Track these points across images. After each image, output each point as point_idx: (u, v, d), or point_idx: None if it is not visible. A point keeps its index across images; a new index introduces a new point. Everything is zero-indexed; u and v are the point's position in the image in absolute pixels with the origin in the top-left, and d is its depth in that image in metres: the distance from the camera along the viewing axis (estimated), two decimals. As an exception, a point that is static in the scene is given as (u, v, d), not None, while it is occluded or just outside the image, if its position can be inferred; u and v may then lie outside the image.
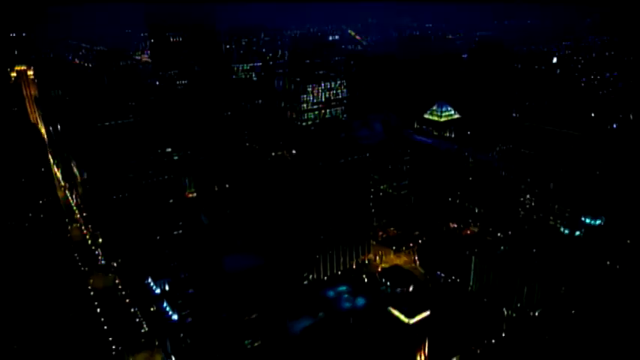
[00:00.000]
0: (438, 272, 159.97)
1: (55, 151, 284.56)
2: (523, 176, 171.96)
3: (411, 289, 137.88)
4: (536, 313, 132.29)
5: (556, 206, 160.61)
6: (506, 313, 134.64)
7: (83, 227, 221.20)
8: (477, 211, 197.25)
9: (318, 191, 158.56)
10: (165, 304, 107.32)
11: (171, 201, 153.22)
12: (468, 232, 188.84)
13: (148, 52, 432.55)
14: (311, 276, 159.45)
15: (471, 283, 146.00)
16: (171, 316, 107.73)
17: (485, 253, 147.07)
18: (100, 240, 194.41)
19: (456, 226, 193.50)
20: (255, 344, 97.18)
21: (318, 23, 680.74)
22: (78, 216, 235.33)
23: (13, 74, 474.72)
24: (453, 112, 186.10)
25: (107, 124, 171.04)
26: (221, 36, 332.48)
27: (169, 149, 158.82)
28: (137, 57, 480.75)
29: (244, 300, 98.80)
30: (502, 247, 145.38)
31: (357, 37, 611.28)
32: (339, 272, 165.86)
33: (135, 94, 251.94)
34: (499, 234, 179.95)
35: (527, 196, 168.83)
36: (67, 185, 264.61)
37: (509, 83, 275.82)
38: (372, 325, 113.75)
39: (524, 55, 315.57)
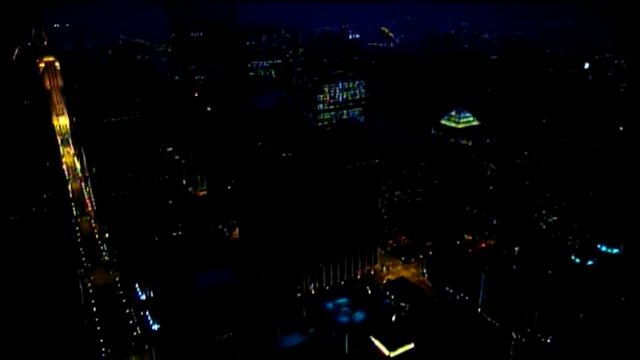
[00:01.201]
0: (447, 287, 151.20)
1: (76, 142, 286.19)
2: (543, 190, 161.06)
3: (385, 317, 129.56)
4: (548, 340, 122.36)
5: (575, 225, 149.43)
6: (515, 336, 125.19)
7: (93, 221, 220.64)
8: (494, 222, 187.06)
9: (323, 197, 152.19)
10: (147, 312, 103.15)
11: (170, 202, 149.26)
12: (484, 245, 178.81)
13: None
14: (312, 285, 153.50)
15: (480, 302, 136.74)
16: (152, 325, 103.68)
17: (496, 271, 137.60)
18: (107, 235, 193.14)
19: (471, 238, 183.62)
20: None
21: (351, 21, 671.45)
22: (89, 209, 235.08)
23: (42, 65, 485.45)
24: (472, 118, 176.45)
25: (114, 119, 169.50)
26: (241, 32, 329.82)
27: (170, 148, 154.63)
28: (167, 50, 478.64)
29: (216, 318, 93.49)
30: (514, 266, 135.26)
31: (391, 34, 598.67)
32: (343, 282, 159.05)
33: (148, 89, 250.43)
34: (516, 248, 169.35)
35: (545, 211, 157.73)
36: (83, 177, 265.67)
37: (539, 88, 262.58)
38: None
39: (559, 58, 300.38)
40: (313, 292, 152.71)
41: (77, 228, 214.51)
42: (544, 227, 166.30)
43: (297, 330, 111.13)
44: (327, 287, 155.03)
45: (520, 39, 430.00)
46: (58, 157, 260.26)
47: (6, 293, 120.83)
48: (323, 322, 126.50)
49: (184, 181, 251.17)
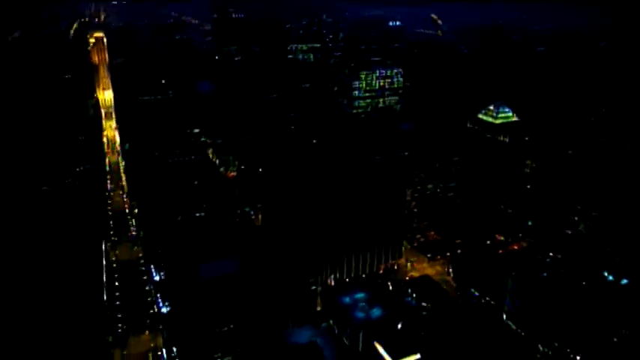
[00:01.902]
0: (472, 289, 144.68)
1: (117, 116, 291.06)
2: (584, 194, 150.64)
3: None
4: (577, 358, 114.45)
5: (613, 237, 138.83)
6: (541, 349, 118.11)
7: (125, 195, 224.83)
8: (529, 224, 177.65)
9: (350, 187, 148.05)
10: (158, 294, 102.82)
11: (196, 182, 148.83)
12: (515, 247, 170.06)
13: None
14: (333, 276, 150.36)
15: (506, 308, 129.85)
16: (161, 307, 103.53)
17: (526, 276, 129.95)
18: (135, 211, 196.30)
19: (502, 238, 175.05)
20: (226, 359, 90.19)
21: (403, 6, 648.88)
22: (123, 183, 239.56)
23: (92, 40, 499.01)
24: (510, 113, 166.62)
25: (147, 98, 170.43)
26: (283, 14, 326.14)
27: (197, 130, 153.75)
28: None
29: (218, 309, 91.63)
30: (546, 273, 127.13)
31: (439, 21, 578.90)
32: (364, 275, 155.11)
33: (184, 69, 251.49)
34: (550, 254, 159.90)
35: (583, 216, 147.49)
36: (121, 151, 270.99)
37: (589, 84, 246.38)
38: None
39: (611, 53, 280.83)
40: (333, 283, 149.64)
41: (109, 201, 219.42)
42: (583, 233, 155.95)
43: (309, 324, 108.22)
44: (347, 279, 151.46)
45: (572, 32, 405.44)
46: (98, 131, 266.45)
47: (29, 264, 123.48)
48: (338, 317, 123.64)
49: (217, 162, 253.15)
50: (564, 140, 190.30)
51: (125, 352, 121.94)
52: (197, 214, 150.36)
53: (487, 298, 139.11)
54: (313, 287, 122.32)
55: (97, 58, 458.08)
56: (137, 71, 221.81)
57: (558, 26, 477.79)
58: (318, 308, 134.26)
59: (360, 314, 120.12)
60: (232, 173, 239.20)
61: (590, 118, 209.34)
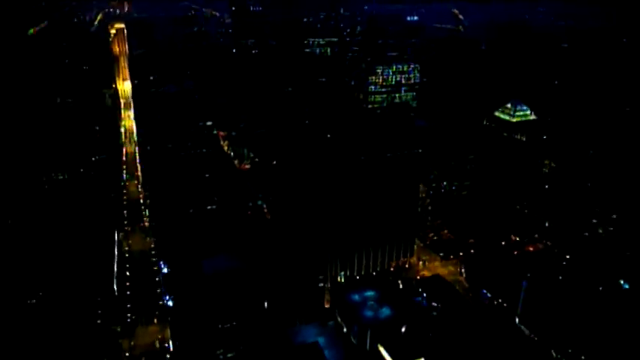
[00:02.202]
0: (484, 291, 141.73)
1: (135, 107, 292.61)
2: (606, 196, 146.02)
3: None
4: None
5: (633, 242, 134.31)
6: (554, 355, 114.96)
7: (139, 185, 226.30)
8: (546, 225, 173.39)
9: (362, 183, 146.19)
10: (163, 287, 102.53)
11: (207, 175, 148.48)
12: (531, 248, 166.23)
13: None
14: (343, 272, 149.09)
15: (519, 311, 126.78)
16: (167, 301, 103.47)
17: (541, 279, 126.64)
18: (149, 201, 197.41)
19: (518, 239, 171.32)
20: (229, 355, 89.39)
21: (423, 2, 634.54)
22: (138, 173, 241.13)
23: (113, 31, 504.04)
24: (528, 112, 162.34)
25: (162, 90, 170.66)
26: (300, 8, 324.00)
27: (210, 122, 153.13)
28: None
29: (221, 306, 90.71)
30: (560, 277, 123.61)
31: (460, 16, 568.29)
32: (374, 273, 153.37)
33: (200, 61, 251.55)
34: (567, 257, 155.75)
35: (603, 219, 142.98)
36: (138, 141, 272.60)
37: (614, 83, 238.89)
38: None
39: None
40: (343, 280, 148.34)
41: (124, 191, 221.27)
42: (601, 236, 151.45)
43: (316, 321, 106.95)
44: (357, 277, 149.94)
45: (596, 28, 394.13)
46: (115, 121, 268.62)
47: (40, 252, 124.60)
48: (347, 315, 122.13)
49: (231, 154, 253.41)
50: (585, 140, 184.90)
51: (132, 343, 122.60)
52: (208, 207, 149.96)
53: (500, 301, 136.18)
54: (321, 284, 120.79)
55: (117, 49, 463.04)
56: (153, 63, 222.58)
57: (583, 23, 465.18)
58: (327, 305, 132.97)
59: (369, 313, 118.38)
60: (246, 166, 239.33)
61: (612, 118, 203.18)
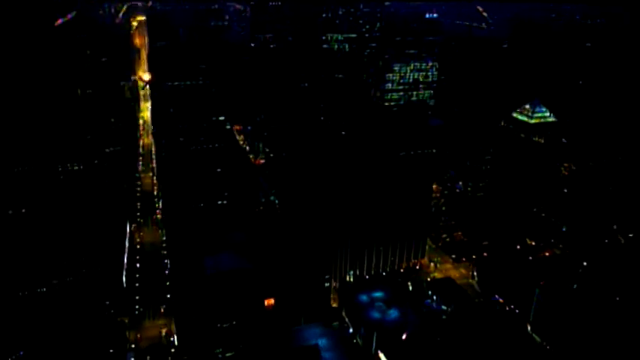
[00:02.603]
0: (496, 296, 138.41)
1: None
2: (628, 201, 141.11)
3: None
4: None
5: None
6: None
7: (154, 177, 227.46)
8: (563, 230, 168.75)
9: (374, 182, 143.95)
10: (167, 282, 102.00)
11: (219, 170, 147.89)
12: (547, 253, 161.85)
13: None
14: (352, 272, 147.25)
15: (531, 319, 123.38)
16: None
17: (556, 286, 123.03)
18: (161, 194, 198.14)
19: (533, 244, 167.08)
20: (228, 354, 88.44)
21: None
22: (153, 165, 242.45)
23: (135, 23, 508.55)
24: (547, 113, 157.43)
25: (177, 83, 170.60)
26: (319, 3, 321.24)
27: (222, 117, 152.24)
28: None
29: (220, 305, 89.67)
30: (576, 285, 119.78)
31: (485, 14, 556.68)
32: (384, 273, 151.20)
33: (217, 55, 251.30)
34: (584, 263, 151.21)
35: (624, 225, 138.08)
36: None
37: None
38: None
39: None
40: (352, 279, 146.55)
41: (139, 183, 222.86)
42: (621, 243, 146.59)
43: (320, 321, 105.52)
44: (367, 276, 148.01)
45: (623, 27, 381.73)
46: (132, 113, 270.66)
47: (51, 243, 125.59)
48: (354, 315, 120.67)
49: (247, 148, 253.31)
50: (606, 144, 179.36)
51: (139, 335, 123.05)
52: (219, 202, 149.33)
53: (512, 307, 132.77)
54: (327, 284, 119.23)
55: (138, 41, 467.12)
56: (171, 56, 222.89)
57: (611, 22, 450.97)
58: (335, 305, 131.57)
59: (376, 314, 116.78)
60: (261, 160, 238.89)
61: (636, 121, 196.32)
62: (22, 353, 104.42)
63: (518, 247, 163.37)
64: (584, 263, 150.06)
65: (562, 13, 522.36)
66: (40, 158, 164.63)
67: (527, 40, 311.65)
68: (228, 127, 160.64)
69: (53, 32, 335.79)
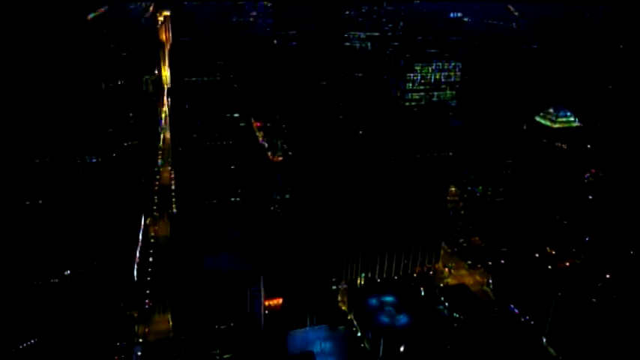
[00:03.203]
0: (512, 306, 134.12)
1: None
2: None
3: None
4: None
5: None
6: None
7: (172, 172, 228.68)
8: (586, 239, 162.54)
9: (388, 183, 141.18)
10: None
11: (232, 167, 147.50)
12: (567, 263, 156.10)
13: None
14: (363, 274, 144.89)
15: (547, 331, 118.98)
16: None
17: (574, 297, 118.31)
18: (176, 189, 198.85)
19: (554, 252, 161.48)
20: (225, 356, 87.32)
21: None
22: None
23: (161, 18, 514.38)
24: (572, 118, 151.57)
25: (195, 79, 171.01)
26: (342, 1, 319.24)
27: (237, 114, 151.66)
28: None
29: (217, 306, 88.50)
30: (595, 299, 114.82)
31: (516, 13, 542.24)
32: (396, 277, 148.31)
33: (237, 52, 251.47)
34: (607, 275, 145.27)
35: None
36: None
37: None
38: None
39: None
40: (363, 282, 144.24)
41: (157, 177, 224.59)
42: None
43: (326, 324, 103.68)
44: (379, 280, 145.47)
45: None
46: (153, 107, 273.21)
47: (64, 235, 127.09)
48: (362, 319, 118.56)
49: (266, 145, 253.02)
50: (635, 151, 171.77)
51: (147, 330, 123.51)
52: (232, 199, 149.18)
53: (527, 317, 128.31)
54: (334, 286, 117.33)
55: (164, 36, 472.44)
56: (192, 51, 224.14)
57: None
58: (344, 307, 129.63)
59: (385, 319, 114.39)
60: (279, 158, 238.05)
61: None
62: (33, 341, 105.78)
63: (537, 255, 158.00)
64: (607, 276, 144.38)
65: (597, 13, 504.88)
66: (60, 150, 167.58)
67: (557, 41, 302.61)
68: (243, 124, 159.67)
69: (84, 26, 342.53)
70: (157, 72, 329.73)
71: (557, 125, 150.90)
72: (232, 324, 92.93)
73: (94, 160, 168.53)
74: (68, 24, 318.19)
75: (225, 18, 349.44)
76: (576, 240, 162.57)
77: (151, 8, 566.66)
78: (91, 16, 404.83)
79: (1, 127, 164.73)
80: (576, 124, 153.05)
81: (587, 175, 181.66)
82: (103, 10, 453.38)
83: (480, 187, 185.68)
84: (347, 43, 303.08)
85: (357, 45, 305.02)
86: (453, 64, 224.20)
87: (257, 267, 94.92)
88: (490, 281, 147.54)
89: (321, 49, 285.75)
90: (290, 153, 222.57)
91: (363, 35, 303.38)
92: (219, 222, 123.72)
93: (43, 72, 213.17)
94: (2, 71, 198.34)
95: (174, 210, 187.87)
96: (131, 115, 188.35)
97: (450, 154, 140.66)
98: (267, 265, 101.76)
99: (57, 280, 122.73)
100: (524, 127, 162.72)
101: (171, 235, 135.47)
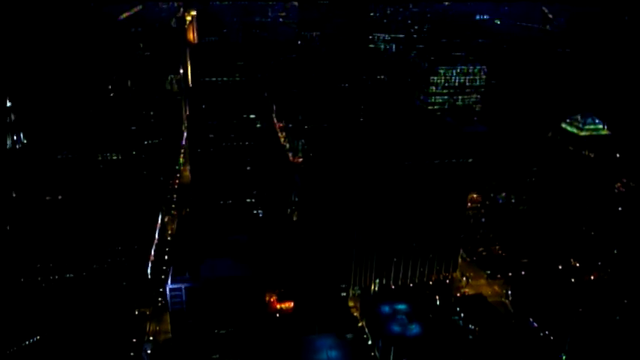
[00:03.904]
0: (531, 319, 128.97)
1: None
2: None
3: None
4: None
5: None
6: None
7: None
8: (615, 252, 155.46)
9: (409, 189, 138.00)
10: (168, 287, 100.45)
11: (248, 168, 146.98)
12: (592, 277, 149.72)
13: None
14: (378, 280, 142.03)
15: (567, 347, 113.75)
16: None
17: (598, 314, 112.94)
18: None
19: (578, 265, 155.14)
20: None
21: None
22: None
23: (189, 18, 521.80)
24: (600, 126, 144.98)
25: (214, 79, 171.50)
26: (368, 2, 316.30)
27: (253, 115, 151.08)
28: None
29: (216, 311, 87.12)
30: (618, 317, 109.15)
31: (550, 15, 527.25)
32: (412, 284, 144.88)
33: (257, 53, 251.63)
34: (635, 292, 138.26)
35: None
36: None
37: None
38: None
39: None
40: (377, 288, 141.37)
41: (177, 175, 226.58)
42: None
43: (334, 332, 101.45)
44: (393, 287, 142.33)
45: None
46: (178, 106, 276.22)
47: (81, 231, 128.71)
48: (374, 327, 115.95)
49: (287, 146, 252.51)
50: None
51: (158, 328, 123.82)
52: (247, 200, 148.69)
53: (547, 332, 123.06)
54: (344, 293, 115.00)
55: (191, 36, 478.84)
56: (215, 51, 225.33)
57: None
58: (356, 314, 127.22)
59: (396, 328, 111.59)
60: (299, 159, 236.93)
61: None
62: (44, 335, 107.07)
63: (561, 267, 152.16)
64: (634, 292, 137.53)
65: (638, 17, 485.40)
66: (82, 146, 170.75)
67: (591, 44, 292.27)
68: (259, 125, 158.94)
69: (115, 26, 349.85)
70: (182, 71, 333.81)
71: (584, 133, 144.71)
72: (231, 329, 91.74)
73: (115, 158, 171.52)
74: (100, 23, 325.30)
75: (250, 18, 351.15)
76: (603, 253, 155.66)
77: (182, 8, 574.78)
78: (124, 15, 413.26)
79: (27, 122, 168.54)
80: (605, 132, 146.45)
81: (618, 184, 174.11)
82: (137, 9, 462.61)
83: (503, 195, 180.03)
84: (371, 45, 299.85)
85: (382, 47, 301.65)
86: (478, 67, 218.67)
87: (259, 272, 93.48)
88: (509, 293, 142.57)
89: (345, 50, 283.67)
90: (307, 155, 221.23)
91: (387, 37, 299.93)
92: (229, 224, 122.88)
93: (70, 69, 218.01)
94: (31, 68, 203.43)
95: (188, 210, 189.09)
96: (152, 113, 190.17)
97: (470, 160, 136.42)
98: (277, 269, 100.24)
99: (72, 275, 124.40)
100: (550, 135, 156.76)
101: (176, 236, 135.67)
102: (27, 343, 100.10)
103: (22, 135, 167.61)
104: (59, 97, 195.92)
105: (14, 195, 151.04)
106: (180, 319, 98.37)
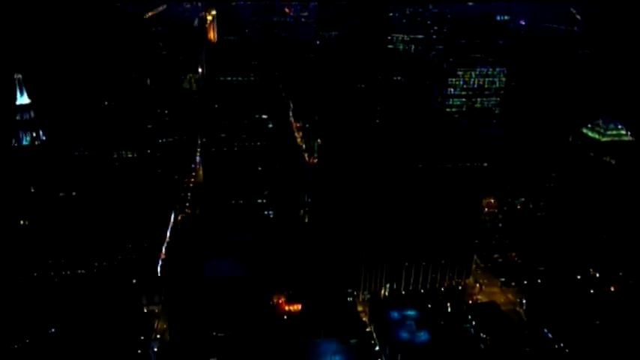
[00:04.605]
0: (545, 330, 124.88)
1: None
2: None
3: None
4: None
5: None
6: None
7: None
8: (637, 262, 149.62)
9: (422, 192, 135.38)
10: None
11: (259, 168, 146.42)
12: (612, 288, 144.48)
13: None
14: (388, 285, 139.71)
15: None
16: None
17: (614, 327, 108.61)
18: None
19: (598, 275, 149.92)
20: None
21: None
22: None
23: (209, 17, 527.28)
24: (622, 131, 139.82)
25: (229, 79, 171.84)
26: (387, 2, 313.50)
27: (265, 116, 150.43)
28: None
29: (216, 313, 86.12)
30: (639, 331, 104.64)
31: (577, 16, 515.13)
32: (423, 290, 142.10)
33: (273, 52, 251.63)
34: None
35: None
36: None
37: None
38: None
39: None
40: (387, 293, 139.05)
41: (193, 174, 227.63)
42: None
43: (338, 337, 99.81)
44: (404, 292, 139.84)
45: None
46: (193, 105, 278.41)
47: (93, 228, 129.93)
48: (382, 333, 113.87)
49: (303, 146, 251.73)
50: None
51: (166, 326, 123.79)
52: (259, 200, 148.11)
53: (562, 344, 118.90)
54: (350, 298, 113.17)
55: (211, 35, 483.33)
56: (228, 51, 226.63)
57: None
58: (365, 319, 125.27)
59: (404, 334, 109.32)
60: (314, 160, 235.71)
61: None
62: (52, 331, 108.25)
63: (579, 277, 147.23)
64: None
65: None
66: (99, 144, 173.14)
67: (617, 46, 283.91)
68: (271, 125, 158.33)
69: (138, 25, 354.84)
70: (200, 70, 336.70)
71: (605, 138, 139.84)
72: (229, 331, 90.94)
73: (130, 156, 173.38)
74: (125, 22, 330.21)
75: (271, 17, 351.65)
76: (625, 263, 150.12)
77: (205, 8, 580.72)
78: (149, 14, 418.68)
79: (46, 119, 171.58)
80: (627, 137, 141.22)
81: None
82: (161, 8, 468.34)
83: (521, 200, 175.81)
84: (390, 46, 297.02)
85: (400, 47, 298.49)
86: (498, 69, 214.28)
87: (261, 272, 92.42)
88: (524, 301, 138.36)
89: (363, 50, 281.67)
90: (321, 155, 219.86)
91: (406, 37, 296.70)
92: (238, 224, 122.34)
93: (91, 68, 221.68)
94: (51, 66, 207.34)
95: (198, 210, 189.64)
96: (167, 112, 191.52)
97: (485, 164, 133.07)
98: (283, 270, 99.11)
99: (83, 271, 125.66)
100: (570, 140, 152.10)
101: (181, 235, 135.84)
102: (38, 336, 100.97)
103: (41, 132, 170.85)
104: (79, 95, 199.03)
105: (32, 190, 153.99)
106: (179, 319, 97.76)
